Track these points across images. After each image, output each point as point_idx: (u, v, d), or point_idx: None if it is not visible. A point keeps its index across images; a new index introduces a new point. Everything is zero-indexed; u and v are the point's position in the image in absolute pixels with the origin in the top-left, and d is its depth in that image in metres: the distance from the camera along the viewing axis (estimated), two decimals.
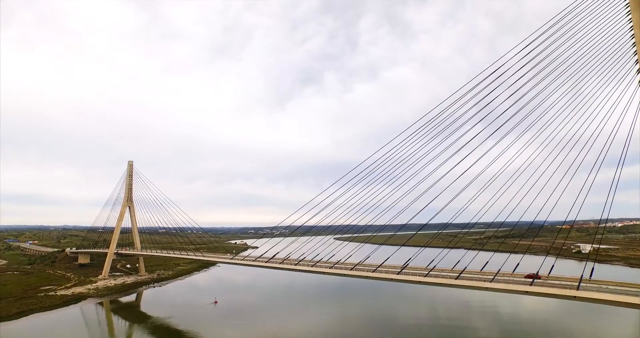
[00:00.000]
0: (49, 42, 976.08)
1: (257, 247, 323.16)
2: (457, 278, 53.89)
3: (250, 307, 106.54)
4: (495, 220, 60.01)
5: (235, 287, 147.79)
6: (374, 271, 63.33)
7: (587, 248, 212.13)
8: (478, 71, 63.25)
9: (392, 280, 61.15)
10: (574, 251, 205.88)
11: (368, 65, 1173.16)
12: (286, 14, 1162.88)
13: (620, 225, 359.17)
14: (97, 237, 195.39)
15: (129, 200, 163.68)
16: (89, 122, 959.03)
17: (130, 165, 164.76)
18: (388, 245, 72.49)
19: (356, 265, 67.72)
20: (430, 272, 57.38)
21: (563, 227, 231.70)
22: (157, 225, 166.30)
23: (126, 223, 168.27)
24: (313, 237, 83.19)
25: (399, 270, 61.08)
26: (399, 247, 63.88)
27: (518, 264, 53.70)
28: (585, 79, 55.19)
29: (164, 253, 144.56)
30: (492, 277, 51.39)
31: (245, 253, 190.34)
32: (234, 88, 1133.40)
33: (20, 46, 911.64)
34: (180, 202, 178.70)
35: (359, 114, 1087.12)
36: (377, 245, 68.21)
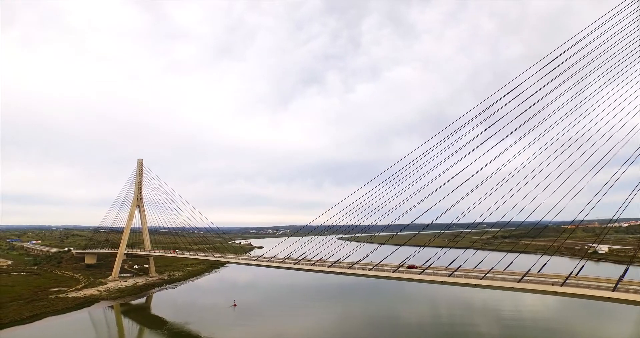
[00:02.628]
0: (51, 42, 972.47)
1: (262, 247, 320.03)
2: (519, 281, 50.11)
3: (269, 308, 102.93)
4: (500, 220, 61.04)
5: (248, 287, 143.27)
6: (420, 273, 59.58)
7: (602, 248, 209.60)
8: (481, 71, 63.49)
9: (441, 283, 57.68)
10: (589, 252, 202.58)
11: (370, 65, 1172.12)
12: (289, 14, 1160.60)
13: (626, 225, 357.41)
14: (104, 237, 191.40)
15: (138, 199, 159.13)
16: (90, 121, 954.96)
17: (140, 163, 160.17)
18: (412, 246, 70.50)
19: (398, 267, 64.19)
20: (487, 275, 53.71)
21: (569, 227, 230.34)
22: (158, 225, 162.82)
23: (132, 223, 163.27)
24: (327, 237, 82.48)
25: (450, 273, 57.50)
26: (443, 249, 62.10)
27: (583, 266, 50.44)
28: (594, 80, 55.88)
29: (179, 254, 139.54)
30: (561, 281, 47.54)
31: (253, 253, 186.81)
32: (236, 88, 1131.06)
33: (22, 46, 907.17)
34: (181, 202, 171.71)
35: (361, 114, 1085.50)
36: (402, 246, 66.17)
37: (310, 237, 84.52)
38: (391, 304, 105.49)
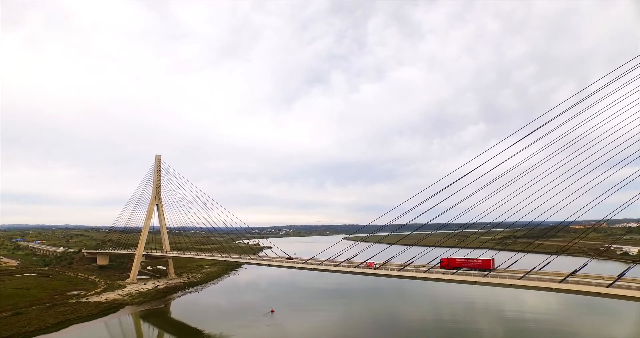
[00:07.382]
0: (56, 42, 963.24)
1: (271, 247, 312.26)
2: (520, 278, 45.62)
3: (308, 313, 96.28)
4: (518, 221, 60.17)
5: (275, 290, 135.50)
6: (424, 272, 59.17)
7: (632, 250, 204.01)
8: (485, 71, 62.14)
9: (443, 280, 57.30)
10: (618, 253, 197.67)
11: (375, 65, 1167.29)
12: (295, 14, 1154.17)
13: (635, 225, 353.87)
14: (116, 237, 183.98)
15: (157, 197, 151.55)
16: (92, 121, 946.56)
17: (159, 159, 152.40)
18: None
19: (404, 266, 63.20)
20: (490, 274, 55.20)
21: (577, 227, 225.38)
22: (157, 225, 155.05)
23: (138, 222, 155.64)
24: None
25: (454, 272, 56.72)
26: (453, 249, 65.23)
27: (585, 265, 52.53)
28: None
29: (208, 256, 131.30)
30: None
31: (264, 253, 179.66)
32: (240, 88, 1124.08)
33: (27, 46, 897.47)
34: (182, 202, 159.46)
35: (364, 114, 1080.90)
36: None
37: (322, 236, 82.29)
38: (406, 302, 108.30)
